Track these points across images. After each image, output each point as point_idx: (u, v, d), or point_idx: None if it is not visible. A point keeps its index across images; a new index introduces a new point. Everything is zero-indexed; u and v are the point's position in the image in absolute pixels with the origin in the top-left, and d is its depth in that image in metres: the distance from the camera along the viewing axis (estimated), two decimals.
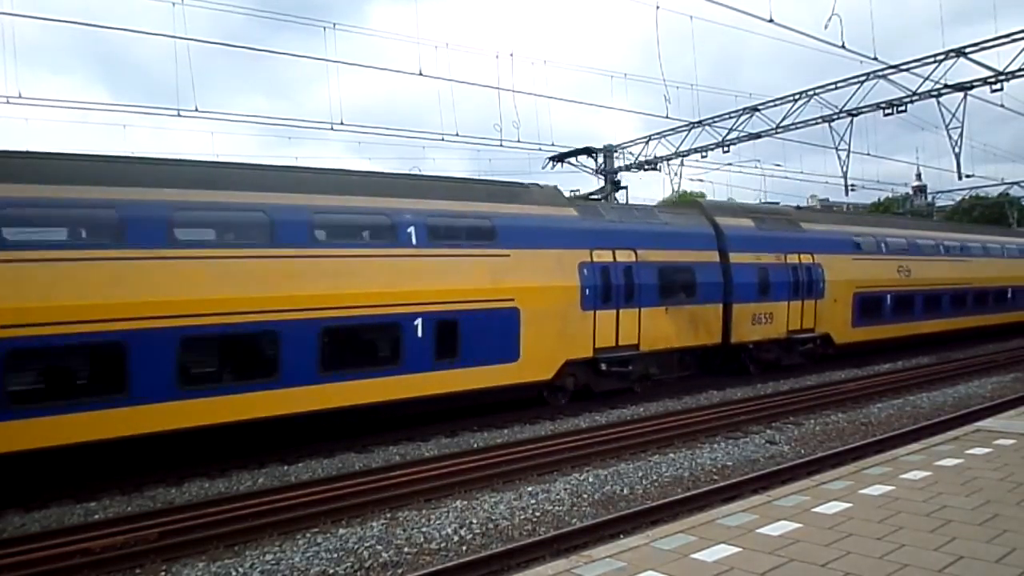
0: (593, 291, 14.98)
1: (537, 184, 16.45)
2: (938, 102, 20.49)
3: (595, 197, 22.57)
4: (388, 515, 8.61)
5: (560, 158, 25.53)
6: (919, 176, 51.60)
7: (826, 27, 16.59)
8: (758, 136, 24.90)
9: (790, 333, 19.58)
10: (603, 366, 15.25)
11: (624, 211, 17.67)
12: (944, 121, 20.61)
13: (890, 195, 50.52)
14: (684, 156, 27.41)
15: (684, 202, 24.21)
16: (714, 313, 17.55)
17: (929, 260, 25.03)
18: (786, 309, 19.35)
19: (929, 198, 51.64)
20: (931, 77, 19.95)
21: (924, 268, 24.43)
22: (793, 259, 19.69)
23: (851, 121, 22.54)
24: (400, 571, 7.12)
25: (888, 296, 22.94)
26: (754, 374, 19.10)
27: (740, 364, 19.07)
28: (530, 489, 9.54)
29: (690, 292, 16.97)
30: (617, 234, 16.02)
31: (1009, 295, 29.30)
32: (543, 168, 26.20)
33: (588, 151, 26.02)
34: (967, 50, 19.14)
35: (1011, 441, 8.48)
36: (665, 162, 28.22)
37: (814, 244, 20.67)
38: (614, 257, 15.56)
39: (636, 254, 15.91)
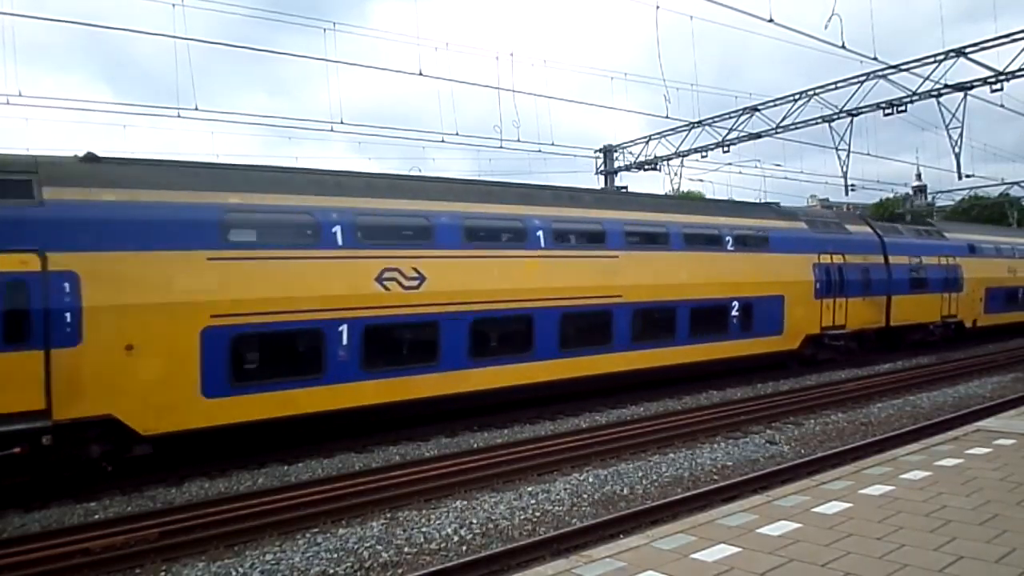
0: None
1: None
2: (938, 102, 20.52)
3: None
4: (388, 515, 8.60)
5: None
6: (919, 176, 51.55)
7: (826, 27, 16.61)
8: (758, 136, 24.93)
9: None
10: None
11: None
12: (944, 121, 20.64)
13: (890, 195, 50.50)
14: (684, 156, 27.45)
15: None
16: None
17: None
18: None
19: (929, 198, 51.62)
20: (931, 77, 19.98)
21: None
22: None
23: (851, 121, 22.57)
24: (400, 571, 7.12)
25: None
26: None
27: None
28: (530, 489, 9.53)
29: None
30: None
31: None
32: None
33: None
34: (967, 50, 19.15)
35: (1011, 441, 8.48)
36: (665, 162, 28.24)
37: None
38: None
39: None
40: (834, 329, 20.28)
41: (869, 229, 22.99)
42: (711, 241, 17.57)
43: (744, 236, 18.34)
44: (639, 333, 15.74)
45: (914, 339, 23.89)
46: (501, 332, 14.04)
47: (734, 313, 17.53)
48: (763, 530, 5.56)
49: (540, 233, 14.43)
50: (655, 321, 16.21)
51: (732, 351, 17.63)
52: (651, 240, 16.68)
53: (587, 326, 15.09)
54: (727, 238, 17.79)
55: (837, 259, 20.42)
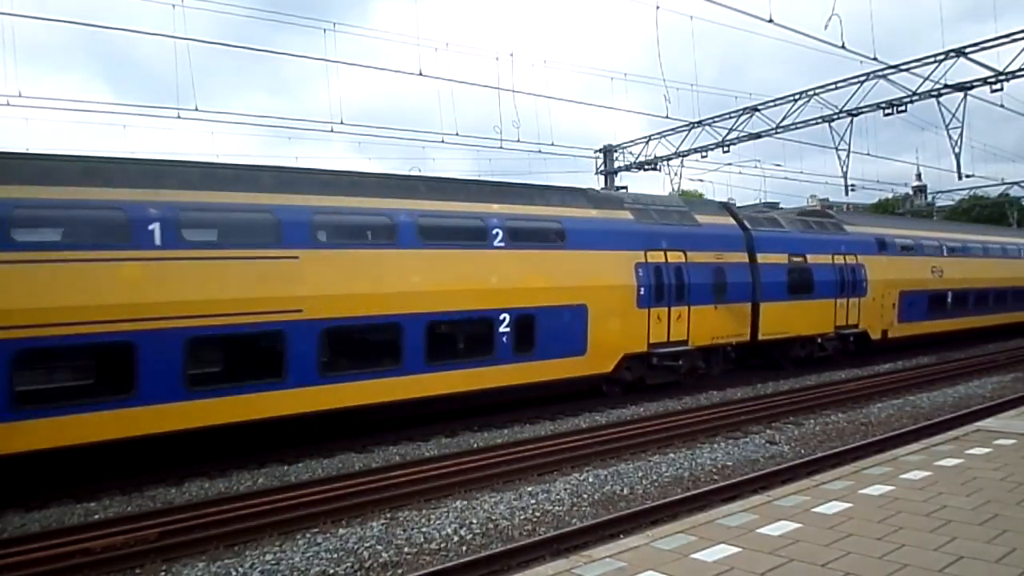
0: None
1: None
2: (938, 102, 20.52)
3: None
4: (388, 515, 8.60)
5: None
6: (919, 176, 51.56)
7: (826, 27, 16.61)
8: (758, 136, 24.92)
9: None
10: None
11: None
12: (944, 121, 20.64)
13: (890, 195, 50.52)
14: (684, 156, 27.45)
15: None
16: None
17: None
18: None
19: (929, 198, 51.64)
20: (931, 77, 19.97)
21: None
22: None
23: (851, 121, 22.56)
24: (400, 571, 7.12)
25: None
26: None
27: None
28: (530, 489, 9.53)
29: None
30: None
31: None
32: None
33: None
34: (967, 50, 19.15)
35: (1011, 441, 8.48)
36: (665, 162, 28.25)
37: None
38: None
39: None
40: (669, 346, 16.12)
41: (730, 220, 18.63)
42: (466, 235, 13.44)
43: (522, 228, 14.11)
44: (335, 361, 11.75)
45: (797, 355, 19.96)
46: None
47: (503, 329, 13.36)
48: (763, 530, 5.56)
49: (156, 227, 10.30)
50: (363, 344, 12.43)
51: (501, 379, 13.45)
52: (360, 234, 12.67)
53: (247, 353, 11.26)
54: (495, 231, 13.57)
55: (676, 257, 16.28)
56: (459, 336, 13.51)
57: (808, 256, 19.70)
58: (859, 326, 20.98)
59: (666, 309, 15.97)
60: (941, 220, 42.98)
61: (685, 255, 16.45)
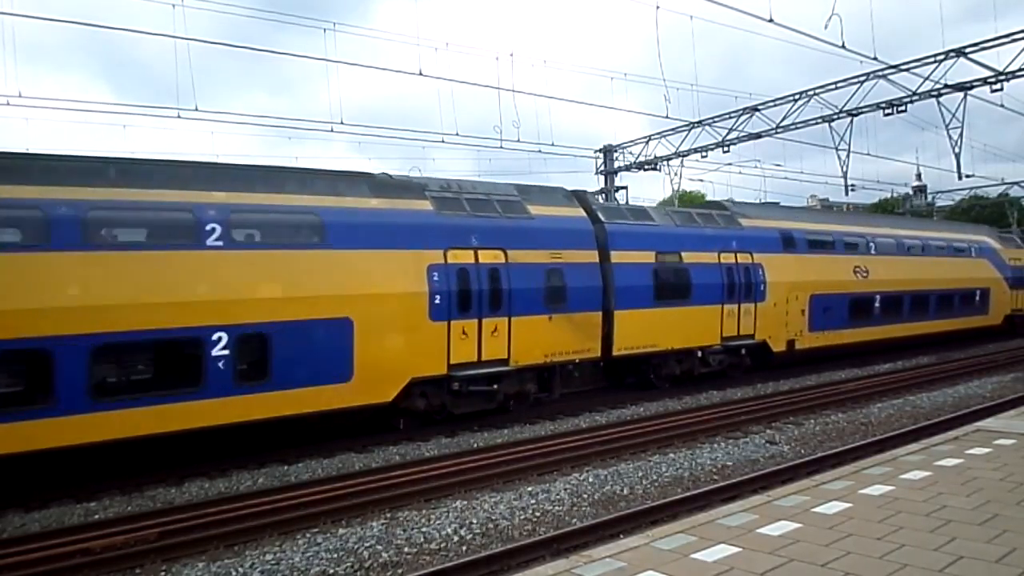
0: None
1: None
2: (938, 102, 20.53)
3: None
4: (388, 515, 8.61)
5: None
6: (919, 176, 51.56)
7: (826, 27, 16.62)
8: (758, 136, 24.95)
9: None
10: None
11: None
12: (944, 121, 20.65)
13: (890, 195, 50.52)
14: (684, 156, 27.47)
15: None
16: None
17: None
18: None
19: (929, 198, 51.65)
20: (931, 77, 19.99)
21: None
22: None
23: (851, 121, 22.58)
24: (400, 571, 7.12)
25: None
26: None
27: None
28: (530, 489, 9.54)
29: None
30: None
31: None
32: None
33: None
34: (967, 50, 19.16)
35: (1011, 441, 8.48)
36: (665, 162, 28.28)
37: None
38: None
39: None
40: (481, 366, 13.15)
41: (578, 211, 15.43)
42: (162, 232, 10.66)
43: (256, 223, 11.39)
44: None
45: (671, 373, 16.80)
46: None
47: (217, 352, 10.39)
48: (763, 530, 5.56)
49: None
50: None
51: (216, 416, 10.48)
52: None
53: None
54: (210, 227, 10.58)
55: (491, 257, 13.34)
56: (144, 363, 10.63)
57: (684, 254, 16.69)
58: (755, 336, 18.04)
59: (475, 321, 13.03)
60: (874, 214, 36.79)
61: (505, 254, 13.53)
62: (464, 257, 13.07)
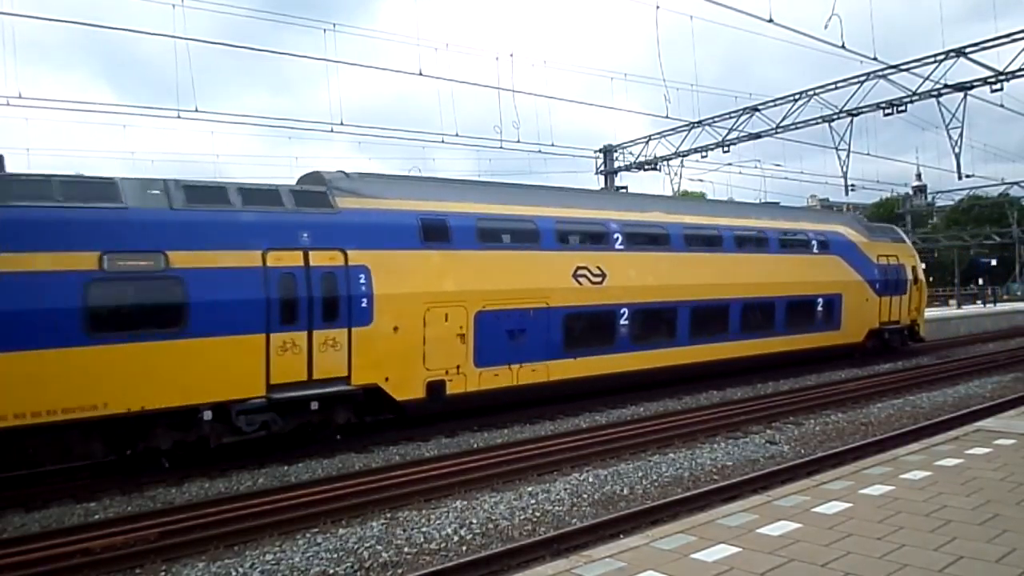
0: None
1: None
2: (938, 102, 20.55)
3: None
4: (388, 515, 8.60)
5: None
6: (919, 176, 51.60)
7: (826, 27, 16.64)
8: (758, 136, 24.98)
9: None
10: None
11: None
12: (944, 121, 20.67)
13: (890, 195, 50.56)
14: (684, 156, 27.49)
15: None
16: None
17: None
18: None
19: (929, 198, 51.68)
20: (931, 77, 20.01)
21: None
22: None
23: (851, 121, 22.61)
24: (400, 571, 7.11)
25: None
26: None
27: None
28: (530, 489, 9.53)
29: None
30: None
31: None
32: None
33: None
34: (967, 50, 19.17)
35: (1011, 441, 8.48)
36: (665, 162, 28.29)
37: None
38: None
39: None
40: None
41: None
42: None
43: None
44: None
45: (158, 446, 10.48)
46: None
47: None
48: (763, 530, 5.56)
49: None
50: None
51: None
52: None
53: None
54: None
55: None
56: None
57: (174, 255, 10.37)
58: (351, 380, 11.73)
59: None
60: (635, 194, 24.94)
61: None
62: None
